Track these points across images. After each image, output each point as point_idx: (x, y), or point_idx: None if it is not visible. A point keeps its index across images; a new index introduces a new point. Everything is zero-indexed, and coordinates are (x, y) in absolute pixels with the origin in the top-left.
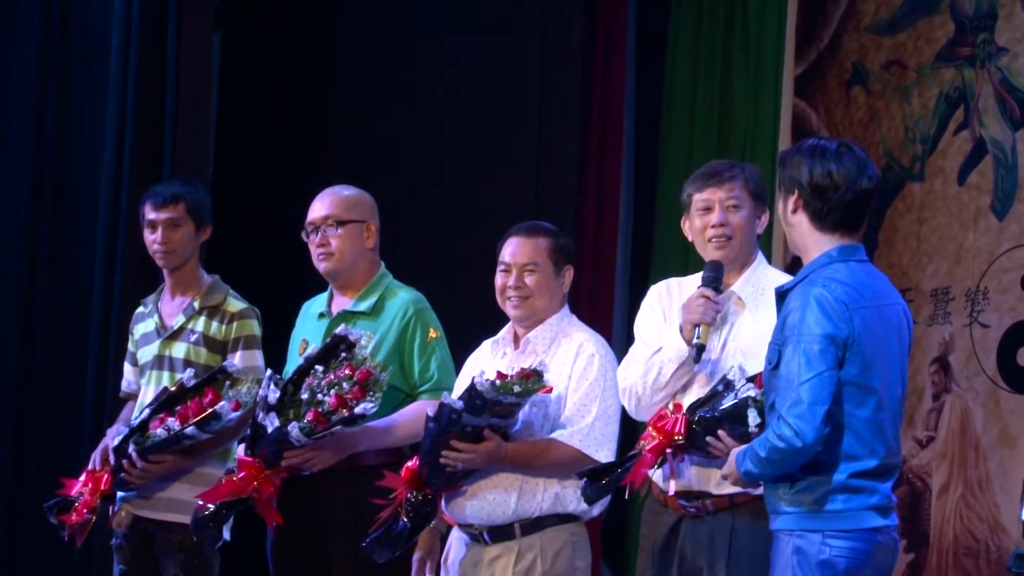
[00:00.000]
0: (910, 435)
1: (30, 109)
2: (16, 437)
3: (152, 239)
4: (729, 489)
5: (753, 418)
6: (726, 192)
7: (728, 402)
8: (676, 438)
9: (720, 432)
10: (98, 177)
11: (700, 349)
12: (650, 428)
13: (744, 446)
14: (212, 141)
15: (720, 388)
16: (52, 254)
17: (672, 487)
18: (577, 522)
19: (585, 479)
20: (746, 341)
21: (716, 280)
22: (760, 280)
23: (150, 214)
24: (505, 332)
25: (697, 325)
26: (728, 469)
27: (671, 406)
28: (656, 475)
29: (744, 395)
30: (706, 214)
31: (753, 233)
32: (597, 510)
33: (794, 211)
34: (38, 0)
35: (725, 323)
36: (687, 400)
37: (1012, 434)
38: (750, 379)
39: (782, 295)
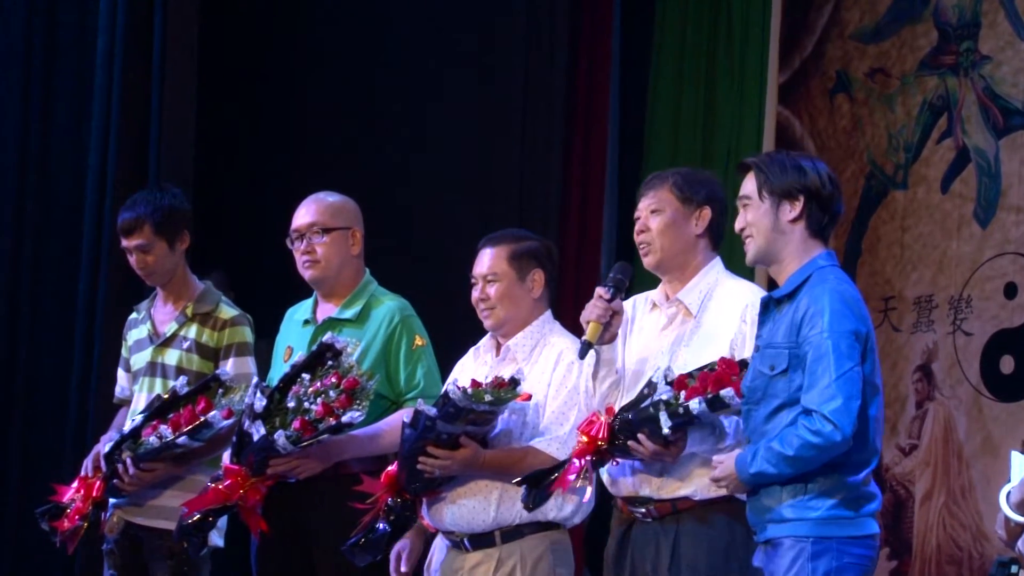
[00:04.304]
0: (893, 443)
1: (15, 115)
2: (0, 444)
3: (132, 262)
4: (670, 494)
5: (664, 421)
6: (649, 199)
7: (645, 405)
8: (599, 443)
9: (640, 436)
10: (83, 182)
11: (586, 346)
12: (579, 432)
13: (742, 449)
14: (195, 146)
15: (646, 391)
16: (36, 260)
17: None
18: (558, 529)
19: (526, 485)
20: (692, 348)
21: (618, 281)
22: (708, 286)
23: (122, 241)
24: (487, 339)
25: (588, 323)
26: (723, 473)
27: (603, 411)
28: (605, 479)
29: (656, 398)
30: (636, 224)
31: (683, 235)
32: (579, 518)
33: (795, 219)
34: (24, 5)
35: (634, 325)
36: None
37: (995, 442)
38: (670, 382)
39: (777, 302)
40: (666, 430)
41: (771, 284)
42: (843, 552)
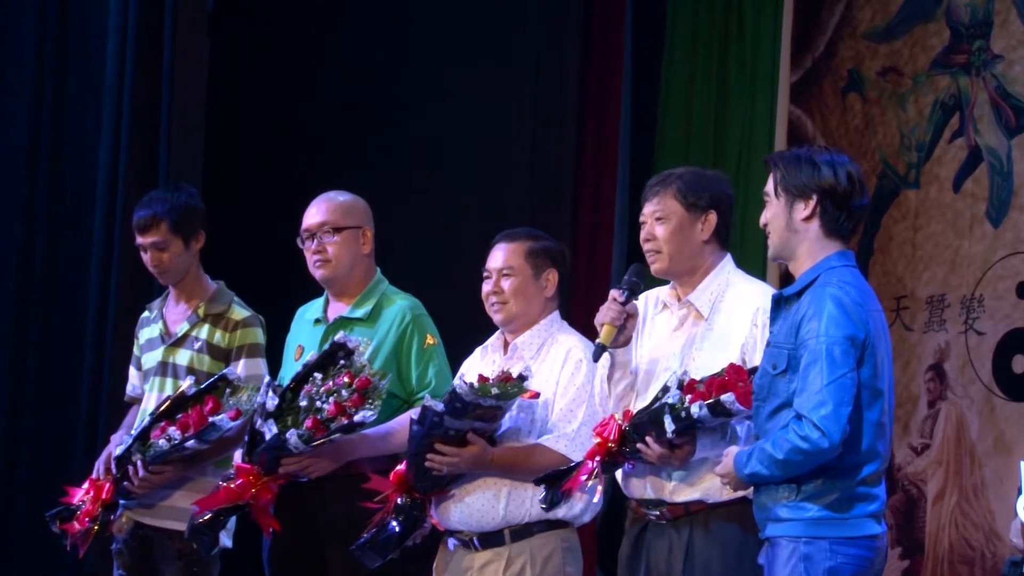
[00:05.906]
0: (905, 442)
1: (26, 114)
2: (9, 442)
3: (145, 260)
4: (683, 498)
5: (668, 424)
6: (654, 206)
7: (655, 408)
8: (610, 444)
9: (648, 438)
10: (94, 182)
11: (600, 349)
12: (594, 434)
13: (744, 447)
14: (205, 145)
15: (660, 395)
16: (48, 259)
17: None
18: (567, 528)
19: (544, 485)
20: (704, 351)
21: (632, 284)
22: (719, 288)
23: (137, 238)
24: (494, 338)
25: (602, 325)
26: (724, 470)
27: (620, 414)
28: (620, 481)
29: (663, 401)
30: (642, 229)
31: (689, 241)
32: (588, 516)
33: (807, 217)
34: (35, 5)
35: (645, 326)
36: (636, 407)
37: (1007, 441)
38: (680, 386)
39: (787, 299)
40: (670, 433)
41: (783, 281)
42: (836, 552)
